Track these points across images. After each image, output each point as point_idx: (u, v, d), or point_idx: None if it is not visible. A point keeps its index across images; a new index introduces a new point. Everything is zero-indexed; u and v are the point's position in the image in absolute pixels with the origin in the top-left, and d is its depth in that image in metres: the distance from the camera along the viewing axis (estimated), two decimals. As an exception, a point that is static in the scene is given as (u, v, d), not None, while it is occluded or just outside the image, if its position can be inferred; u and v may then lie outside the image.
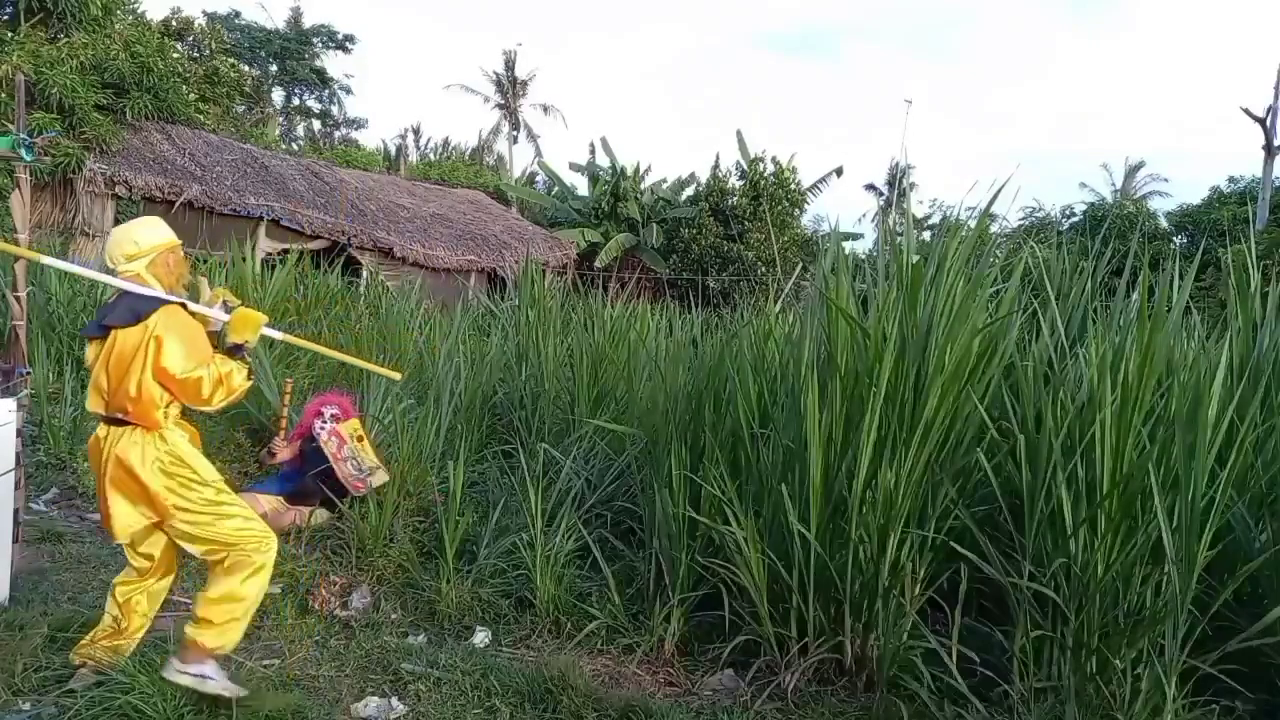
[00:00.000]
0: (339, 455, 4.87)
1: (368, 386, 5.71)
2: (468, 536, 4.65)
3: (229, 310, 3.33)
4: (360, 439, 4.89)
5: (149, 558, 3.27)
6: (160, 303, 3.11)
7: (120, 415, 3.07)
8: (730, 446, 4.11)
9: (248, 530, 3.15)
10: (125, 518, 3.12)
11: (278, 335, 3.52)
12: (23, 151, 4.55)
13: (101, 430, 3.14)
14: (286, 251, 11.52)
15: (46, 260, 3.51)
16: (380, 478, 4.86)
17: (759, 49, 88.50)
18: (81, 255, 11.91)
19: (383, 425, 5.44)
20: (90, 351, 3.22)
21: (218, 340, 3.33)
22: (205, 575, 4.42)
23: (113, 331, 3.08)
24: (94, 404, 3.17)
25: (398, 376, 3.93)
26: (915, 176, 37.67)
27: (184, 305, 3.21)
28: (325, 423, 5.06)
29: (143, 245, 3.22)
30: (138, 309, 3.08)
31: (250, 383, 3.26)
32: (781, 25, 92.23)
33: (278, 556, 4.59)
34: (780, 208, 23.16)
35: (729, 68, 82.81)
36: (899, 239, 4.05)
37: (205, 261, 8.36)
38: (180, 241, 3.39)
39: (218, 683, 3.05)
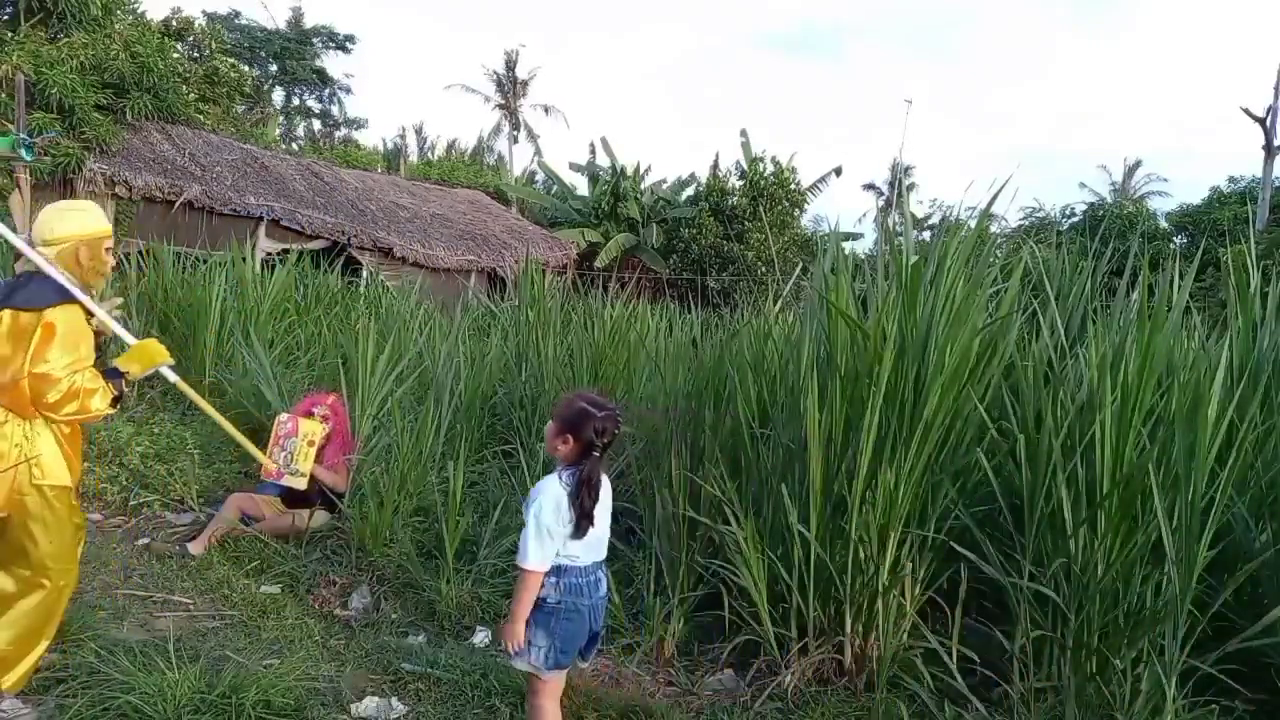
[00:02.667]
0: (279, 438, 4.86)
1: (362, 387, 5.70)
2: (468, 536, 4.65)
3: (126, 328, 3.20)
4: (311, 444, 4.88)
5: None
6: (66, 298, 2.98)
7: None
8: (730, 446, 4.11)
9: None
10: None
11: (172, 378, 3.35)
12: (23, 151, 4.55)
13: None
14: (286, 251, 11.51)
15: None
16: (298, 483, 4.85)
17: (759, 49, 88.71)
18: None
19: (381, 424, 5.44)
20: None
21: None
22: (202, 574, 4.44)
23: (8, 311, 2.92)
24: None
25: (272, 466, 3.73)
26: (915, 176, 37.63)
27: (85, 307, 3.06)
28: (315, 417, 5.08)
29: (56, 233, 3.07)
30: (40, 299, 2.93)
31: (111, 410, 3.08)
32: (781, 25, 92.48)
33: (277, 557, 4.65)
34: (780, 208, 23.14)
35: (729, 68, 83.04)
36: (898, 239, 4.04)
37: (205, 262, 8.35)
38: (104, 231, 3.19)
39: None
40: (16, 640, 2.98)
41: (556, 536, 2.71)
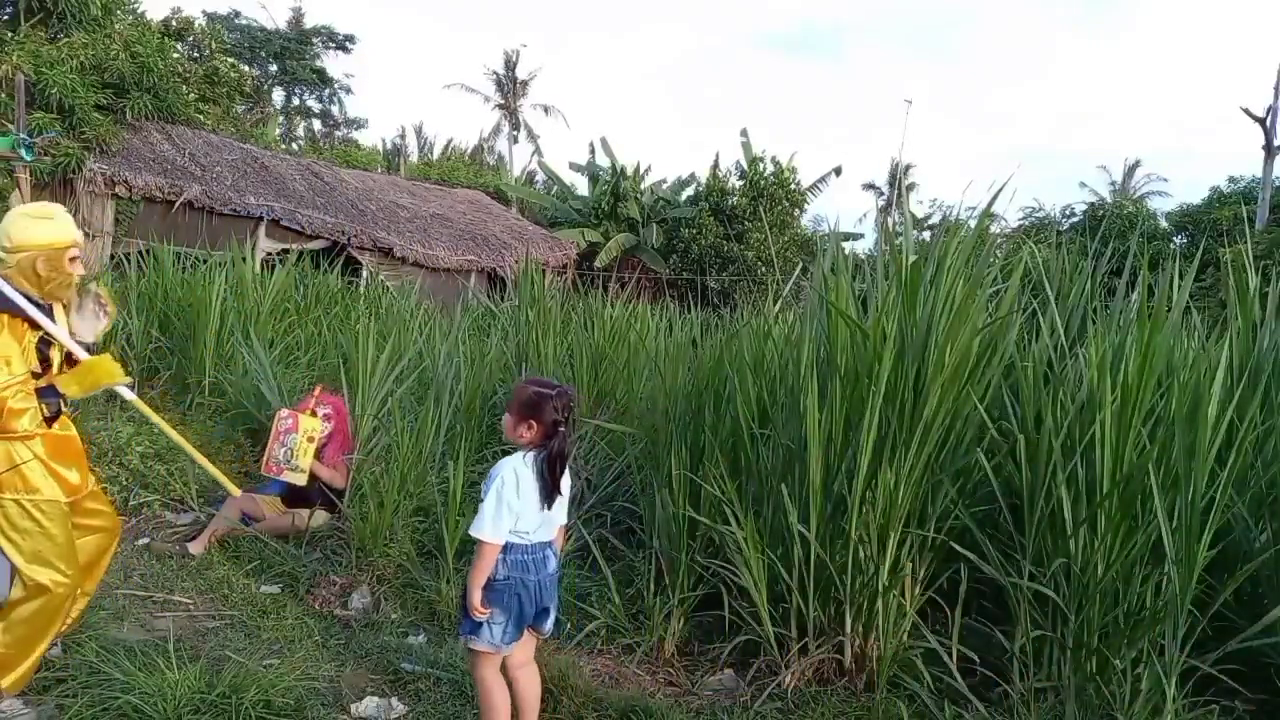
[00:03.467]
0: (279, 433, 4.87)
1: (362, 387, 5.70)
2: (468, 536, 4.64)
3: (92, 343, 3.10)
4: (311, 440, 4.88)
5: None
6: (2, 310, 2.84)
7: None
8: (730, 446, 4.11)
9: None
10: None
11: (129, 396, 3.17)
12: (23, 151, 4.54)
13: None
14: (286, 251, 11.52)
15: None
16: (298, 479, 4.85)
17: (759, 49, 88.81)
18: (82, 254, 11.89)
19: (381, 424, 5.44)
20: None
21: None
22: (202, 574, 4.44)
23: None
24: None
25: (236, 492, 3.70)
26: (915, 176, 37.65)
27: (33, 322, 2.90)
28: (316, 415, 5.08)
29: (15, 241, 2.91)
30: None
31: (39, 431, 2.93)
32: (781, 25, 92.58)
33: (277, 557, 4.65)
34: (780, 208, 23.15)
35: (729, 68, 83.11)
36: (898, 239, 4.04)
37: (205, 262, 8.35)
38: (66, 242, 3.00)
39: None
40: (16, 643, 2.98)
41: (514, 512, 2.81)
